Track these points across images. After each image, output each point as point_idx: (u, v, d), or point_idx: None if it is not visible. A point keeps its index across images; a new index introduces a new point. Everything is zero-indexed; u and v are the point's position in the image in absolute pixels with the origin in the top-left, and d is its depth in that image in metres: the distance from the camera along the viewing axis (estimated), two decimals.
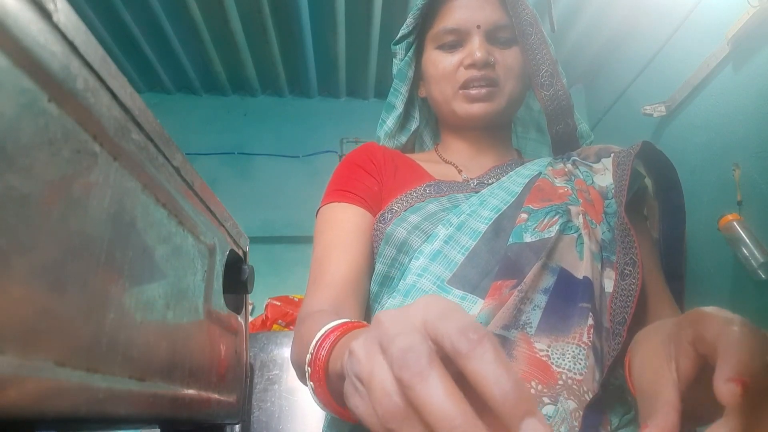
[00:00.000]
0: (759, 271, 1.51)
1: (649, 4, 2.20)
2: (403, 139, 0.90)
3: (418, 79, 0.87)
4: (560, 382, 0.56)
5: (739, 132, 1.68)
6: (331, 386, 0.46)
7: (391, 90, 0.88)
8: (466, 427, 0.24)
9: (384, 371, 0.28)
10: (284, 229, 2.67)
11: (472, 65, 0.76)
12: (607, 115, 2.63)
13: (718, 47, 1.77)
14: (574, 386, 0.56)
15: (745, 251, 1.54)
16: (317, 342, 0.48)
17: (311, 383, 0.48)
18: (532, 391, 0.56)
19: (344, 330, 0.48)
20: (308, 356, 0.48)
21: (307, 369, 0.48)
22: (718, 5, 1.82)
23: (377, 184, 0.77)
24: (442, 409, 0.25)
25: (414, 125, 0.91)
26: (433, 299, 0.31)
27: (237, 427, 1.58)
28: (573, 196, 0.71)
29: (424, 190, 0.74)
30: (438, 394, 0.25)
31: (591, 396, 0.56)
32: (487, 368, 0.25)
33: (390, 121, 0.87)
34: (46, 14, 0.25)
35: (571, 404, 0.55)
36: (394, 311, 0.31)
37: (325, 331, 0.48)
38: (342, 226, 0.73)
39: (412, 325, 0.29)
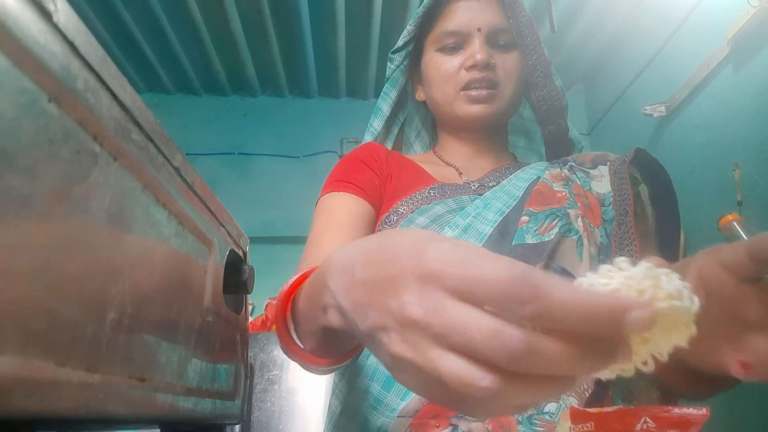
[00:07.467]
0: None
1: (649, 4, 2.20)
2: (389, 144, 0.92)
3: (416, 82, 0.88)
4: None
5: (739, 132, 1.68)
6: (295, 319, 0.49)
7: (381, 94, 0.90)
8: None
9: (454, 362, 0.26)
10: (284, 229, 2.67)
11: (473, 66, 0.76)
12: (607, 115, 2.63)
13: (718, 47, 1.77)
14: None
15: None
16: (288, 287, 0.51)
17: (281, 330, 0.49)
18: None
19: (306, 274, 0.49)
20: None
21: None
22: (718, 5, 1.82)
23: (378, 178, 0.78)
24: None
25: (397, 128, 0.93)
26: (416, 243, 0.30)
27: (237, 427, 1.58)
28: (571, 200, 0.72)
29: (429, 192, 0.75)
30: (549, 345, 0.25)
31: (589, 394, 0.57)
32: (570, 296, 0.24)
33: (377, 124, 0.89)
34: (46, 14, 0.25)
35: (573, 401, 0.56)
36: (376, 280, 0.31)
37: (291, 282, 0.51)
38: (337, 212, 0.73)
39: (434, 298, 0.27)
